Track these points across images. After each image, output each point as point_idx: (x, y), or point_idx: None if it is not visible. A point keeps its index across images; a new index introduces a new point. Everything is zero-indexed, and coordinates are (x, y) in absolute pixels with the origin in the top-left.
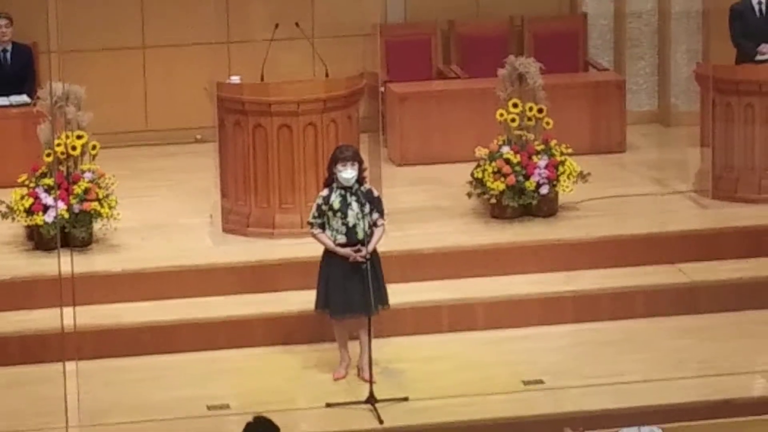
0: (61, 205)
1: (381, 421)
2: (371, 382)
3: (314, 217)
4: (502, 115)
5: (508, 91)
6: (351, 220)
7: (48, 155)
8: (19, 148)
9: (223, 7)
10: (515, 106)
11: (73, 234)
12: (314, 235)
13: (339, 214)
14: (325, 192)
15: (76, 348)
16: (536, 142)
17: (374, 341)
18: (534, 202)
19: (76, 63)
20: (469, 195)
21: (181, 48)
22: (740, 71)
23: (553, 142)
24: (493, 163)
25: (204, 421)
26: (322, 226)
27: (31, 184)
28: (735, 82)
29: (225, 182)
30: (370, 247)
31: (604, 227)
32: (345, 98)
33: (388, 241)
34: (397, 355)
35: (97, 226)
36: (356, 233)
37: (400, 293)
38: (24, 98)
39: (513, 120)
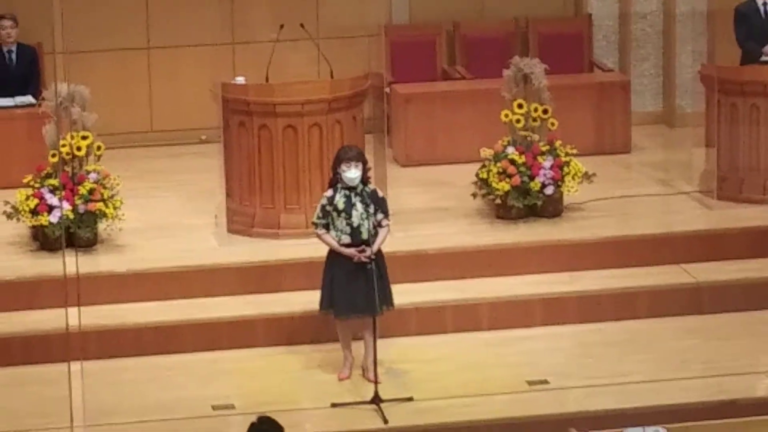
0: (66, 206)
1: (386, 421)
2: (376, 382)
3: (318, 218)
4: (507, 115)
5: (513, 91)
6: (355, 220)
7: (53, 156)
8: (24, 148)
9: (227, 8)
10: (520, 106)
11: (78, 234)
12: (319, 236)
13: (343, 214)
14: (329, 192)
15: (81, 348)
16: (541, 143)
17: (379, 341)
18: (539, 203)
19: (81, 64)
20: (474, 195)
21: (186, 49)
22: (745, 72)
23: (558, 143)
24: (498, 164)
25: (208, 421)
26: (327, 227)
27: (36, 185)
28: (740, 83)
29: (230, 183)
30: (375, 248)
31: (608, 228)
32: (350, 99)
33: (392, 241)
34: (402, 355)
35: (101, 226)
36: (361, 233)
37: (404, 294)
38: (29, 99)
39: (518, 121)
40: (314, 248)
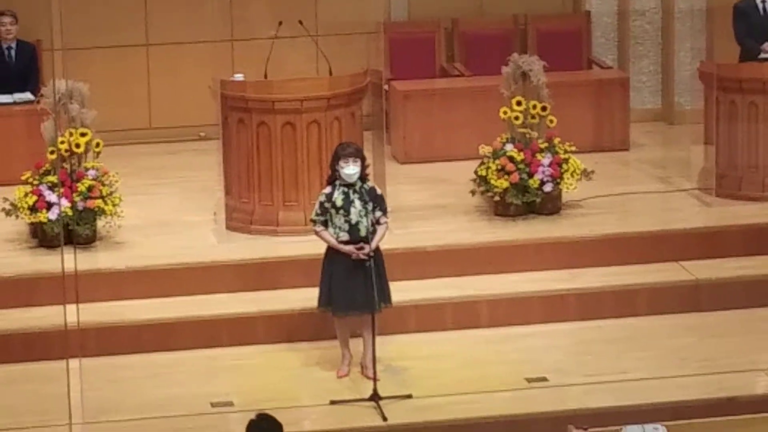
0: (65, 203)
1: (385, 419)
2: (375, 379)
3: (317, 215)
4: (505, 112)
5: (511, 88)
6: (354, 217)
7: (52, 153)
8: (23, 145)
9: (226, 4)
10: (519, 104)
11: (77, 231)
12: (317, 233)
13: (342, 211)
14: (327, 189)
15: (80, 345)
16: (540, 140)
17: (378, 339)
18: (537, 200)
19: (80, 60)
20: (473, 193)
21: (184, 46)
22: (744, 69)
23: (556, 140)
24: (497, 161)
25: (207, 418)
26: (325, 224)
27: (35, 182)
28: (739, 80)
29: (229, 180)
30: (373, 245)
31: (607, 225)
32: (348, 96)
33: (391, 238)
34: (401, 352)
35: (100, 223)
36: (359, 231)
37: (403, 291)
38: (28, 96)
39: (516, 118)
40: (313, 245)
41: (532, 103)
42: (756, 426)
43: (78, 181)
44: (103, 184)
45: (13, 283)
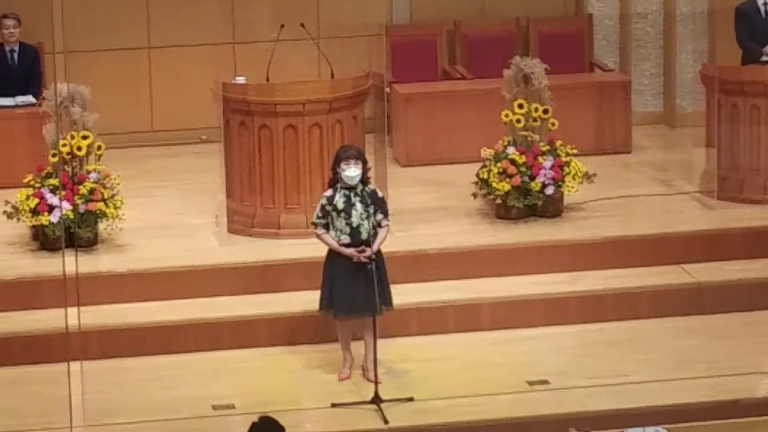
0: (67, 206)
1: (386, 422)
2: (376, 382)
3: (318, 218)
4: (507, 115)
5: (513, 91)
6: (355, 220)
7: (53, 155)
8: (25, 148)
9: (228, 7)
10: (520, 106)
11: (79, 234)
12: (318, 236)
13: (343, 214)
14: (329, 192)
15: (81, 348)
16: (541, 143)
17: (379, 341)
18: (539, 203)
19: (82, 63)
20: (475, 195)
21: (186, 48)
22: (746, 72)
23: (558, 143)
24: (499, 164)
25: (209, 421)
26: (326, 227)
27: (37, 185)
28: (740, 83)
29: (230, 183)
30: (375, 248)
31: (609, 228)
32: (350, 99)
33: (393, 241)
34: (402, 355)
35: (102, 226)
36: (360, 234)
37: (405, 293)
38: (29, 99)
39: (518, 120)
40: (314, 248)
41: (534, 105)
42: (758, 429)
43: (79, 183)
44: (105, 187)
45: (15, 286)
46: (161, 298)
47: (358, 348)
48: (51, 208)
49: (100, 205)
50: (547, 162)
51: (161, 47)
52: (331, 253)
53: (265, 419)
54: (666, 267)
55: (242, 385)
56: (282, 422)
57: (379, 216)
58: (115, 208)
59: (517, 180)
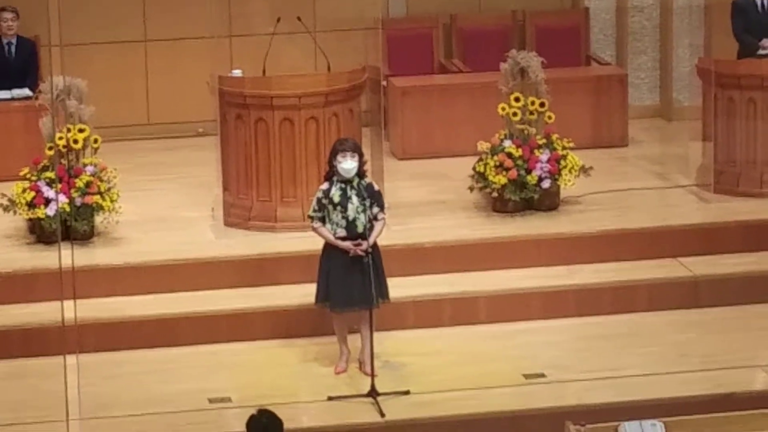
0: (63, 199)
1: (383, 415)
2: (373, 375)
3: (314, 211)
4: (503, 109)
5: (510, 85)
6: (351, 213)
7: (50, 149)
8: (21, 141)
9: (225, 0)
10: (517, 100)
11: (75, 227)
12: (314, 229)
13: (339, 207)
14: (325, 185)
15: (77, 341)
16: (538, 136)
17: (376, 335)
18: (536, 196)
19: (78, 56)
20: (471, 189)
21: (182, 42)
22: (742, 66)
23: (554, 136)
24: (495, 157)
25: (205, 414)
26: (323, 220)
27: (33, 178)
28: (737, 76)
29: (227, 176)
30: (371, 241)
31: (605, 221)
32: (347, 92)
33: (389, 234)
34: (399, 348)
35: (98, 219)
36: (356, 227)
37: (401, 287)
38: (26, 92)
39: (515, 114)
40: (311, 241)
41: (531, 99)
42: (754, 422)
43: (76, 177)
44: (101, 180)
45: (11, 279)
46: (158, 292)
47: (354, 341)
48: (47, 201)
49: (97, 198)
50: (544, 155)
51: (158, 40)
52: (328, 246)
53: (264, 412)
54: (663, 260)
55: (239, 379)
56: (279, 416)
57: (375, 209)
58: (112, 201)
59: (513, 173)
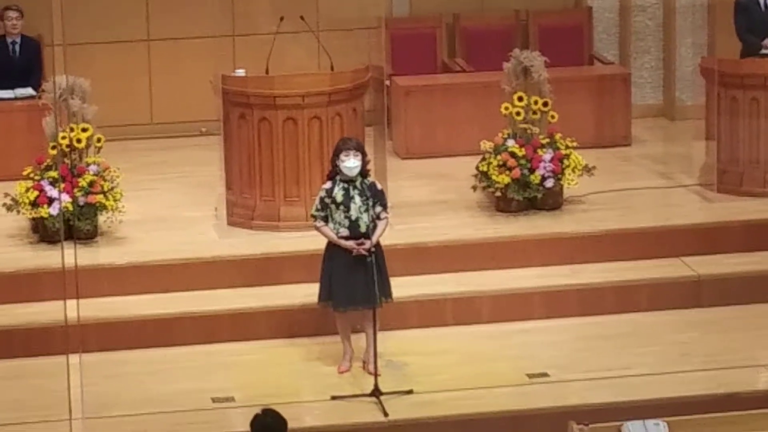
0: (66, 198)
1: (386, 414)
2: (376, 375)
3: (317, 210)
4: (507, 108)
5: (513, 84)
6: (354, 213)
7: (53, 148)
8: (24, 140)
9: (228, 0)
10: (520, 99)
11: (78, 227)
12: (317, 228)
13: (342, 207)
14: (328, 185)
15: (80, 340)
16: (541, 136)
17: (379, 334)
18: (539, 196)
19: (81, 56)
20: (474, 188)
21: (186, 41)
22: (745, 65)
23: (558, 136)
24: (498, 157)
25: (208, 413)
26: (325, 219)
27: (36, 177)
28: (740, 75)
29: (230, 175)
30: (374, 240)
31: (608, 221)
32: (350, 91)
33: (392, 234)
34: (402, 348)
35: (101, 218)
36: (359, 226)
37: (404, 286)
38: (29, 91)
39: (518, 113)
40: (314, 241)
41: (534, 98)
42: (757, 422)
43: (79, 176)
44: (104, 180)
45: (14, 279)
46: (161, 291)
47: (358, 341)
48: (50, 201)
49: (100, 197)
50: (547, 155)
51: (161, 40)
52: (331, 245)
53: (268, 412)
54: (665, 260)
55: (242, 378)
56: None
57: (378, 208)
58: (115, 200)
59: (516, 173)
